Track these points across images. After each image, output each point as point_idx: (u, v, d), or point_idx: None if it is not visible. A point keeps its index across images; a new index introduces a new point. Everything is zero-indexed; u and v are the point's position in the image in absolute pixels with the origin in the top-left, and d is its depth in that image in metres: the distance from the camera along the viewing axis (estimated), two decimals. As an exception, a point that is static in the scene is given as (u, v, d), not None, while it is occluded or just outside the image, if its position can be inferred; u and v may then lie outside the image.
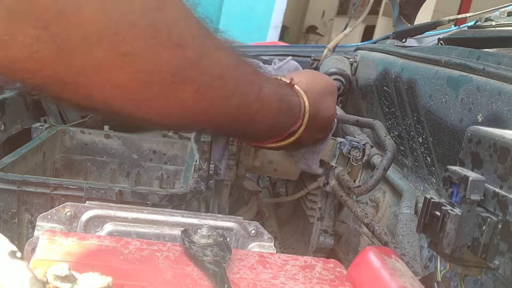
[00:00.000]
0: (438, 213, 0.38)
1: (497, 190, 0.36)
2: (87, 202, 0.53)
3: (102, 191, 0.67)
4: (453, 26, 1.41)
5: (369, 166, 0.97)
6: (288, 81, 0.73)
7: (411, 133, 0.88)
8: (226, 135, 0.80)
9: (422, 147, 0.84)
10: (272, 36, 4.80)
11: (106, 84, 0.46)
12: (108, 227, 0.52)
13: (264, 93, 0.63)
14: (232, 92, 0.58)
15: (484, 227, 0.36)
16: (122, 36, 0.43)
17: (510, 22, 0.98)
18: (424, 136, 0.82)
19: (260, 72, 0.66)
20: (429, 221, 0.39)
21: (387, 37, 1.40)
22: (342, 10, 6.53)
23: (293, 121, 0.71)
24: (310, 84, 0.75)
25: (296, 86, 0.73)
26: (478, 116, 0.65)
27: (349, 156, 0.86)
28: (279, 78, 0.73)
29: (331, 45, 1.43)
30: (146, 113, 0.53)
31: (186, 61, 0.49)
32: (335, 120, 0.85)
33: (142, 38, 0.44)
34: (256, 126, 0.66)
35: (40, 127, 0.93)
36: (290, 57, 0.95)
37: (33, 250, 0.46)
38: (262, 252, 0.51)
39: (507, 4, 1.12)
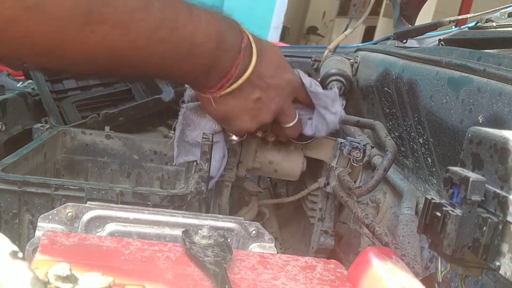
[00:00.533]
0: (438, 214, 0.38)
1: (498, 191, 0.36)
2: (88, 202, 0.54)
3: (103, 192, 0.67)
4: (453, 27, 1.41)
5: (370, 167, 0.97)
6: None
7: (412, 134, 0.88)
8: (162, 76, 0.73)
9: (423, 148, 0.84)
10: (273, 36, 4.81)
11: (20, 36, 0.49)
12: (109, 227, 0.52)
13: (196, 16, 0.61)
14: (160, 22, 0.57)
15: (484, 228, 0.36)
16: None
17: (511, 23, 0.98)
18: (424, 137, 0.82)
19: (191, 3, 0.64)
20: (430, 221, 0.39)
21: (388, 38, 1.40)
22: (343, 11, 6.53)
23: (234, 58, 0.68)
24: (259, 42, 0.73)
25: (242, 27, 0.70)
26: (479, 117, 0.65)
27: (350, 156, 0.86)
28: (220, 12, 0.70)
29: (331, 46, 1.43)
30: (71, 59, 0.55)
31: (95, 1, 0.51)
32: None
33: None
34: (192, 59, 0.63)
35: (41, 128, 0.93)
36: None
37: (34, 250, 0.46)
38: (263, 253, 0.51)
39: (508, 5, 1.12)
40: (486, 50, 0.82)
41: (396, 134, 0.96)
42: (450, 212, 0.36)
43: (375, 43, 1.47)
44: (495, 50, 0.87)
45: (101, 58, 0.56)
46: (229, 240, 0.50)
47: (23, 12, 0.47)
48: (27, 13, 0.47)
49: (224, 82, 0.69)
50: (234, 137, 0.84)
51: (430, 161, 0.82)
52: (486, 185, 0.37)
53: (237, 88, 0.70)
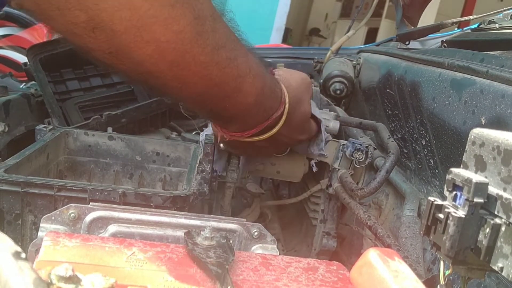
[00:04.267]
0: (441, 216, 0.38)
1: (501, 192, 0.36)
2: (90, 203, 0.54)
3: (106, 193, 0.67)
4: (456, 28, 1.41)
5: (372, 168, 0.97)
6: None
7: (414, 135, 0.88)
8: (207, 105, 0.71)
9: (425, 150, 0.84)
10: (275, 38, 4.81)
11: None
12: (112, 228, 0.52)
13: (251, 59, 0.63)
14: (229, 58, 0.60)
15: (487, 230, 0.36)
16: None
17: (514, 25, 0.98)
18: (427, 139, 0.82)
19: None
20: (432, 223, 0.39)
21: (390, 40, 1.41)
22: (345, 13, 6.53)
23: (276, 105, 0.70)
24: (287, 77, 0.75)
25: (276, 76, 0.73)
26: (482, 119, 0.65)
27: (352, 158, 0.86)
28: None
29: (334, 47, 1.43)
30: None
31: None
32: (323, 126, 0.85)
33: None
34: (241, 96, 0.65)
35: (44, 129, 0.93)
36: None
37: (37, 251, 0.46)
38: (265, 254, 0.51)
39: (511, 7, 1.12)
40: (488, 52, 0.81)
41: (399, 135, 0.96)
42: (452, 213, 0.36)
43: (378, 45, 1.47)
44: (498, 51, 0.87)
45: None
46: (231, 242, 0.50)
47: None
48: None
49: (244, 134, 0.73)
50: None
51: (432, 162, 0.82)
52: (489, 186, 0.37)
53: (253, 141, 0.74)
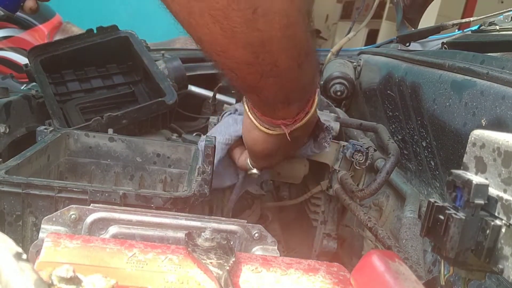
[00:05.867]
0: (441, 217, 0.38)
1: (501, 194, 0.36)
2: (91, 205, 0.54)
3: (106, 194, 0.67)
4: (457, 30, 1.42)
5: (373, 169, 0.97)
6: None
7: (415, 137, 0.88)
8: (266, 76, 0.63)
9: (426, 151, 0.84)
10: (276, 39, 4.80)
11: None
12: (112, 229, 0.52)
13: (311, 41, 0.59)
14: (296, 21, 0.55)
15: (488, 231, 0.36)
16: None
17: (514, 26, 0.98)
18: (427, 140, 0.82)
19: None
20: (433, 225, 0.39)
21: (391, 41, 1.41)
22: (346, 14, 6.52)
23: (313, 90, 0.68)
24: None
25: None
26: (482, 120, 0.65)
27: (353, 159, 0.86)
28: None
29: (334, 49, 1.43)
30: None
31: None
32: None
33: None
34: (300, 73, 0.60)
35: (45, 130, 0.93)
36: None
37: (38, 252, 0.46)
38: (266, 255, 0.51)
39: (511, 9, 1.12)
40: (489, 53, 0.82)
41: (399, 137, 0.96)
42: (453, 215, 0.36)
43: (378, 46, 1.47)
44: (498, 53, 0.87)
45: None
46: (232, 243, 0.50)
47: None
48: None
49: (302, 115, 0.68)
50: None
51: (433, 164, 0.82)
52: (489, 188, 0.37)
53: (304, 124, 0.70)
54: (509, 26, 1.00)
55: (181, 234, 0.53)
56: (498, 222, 0.35)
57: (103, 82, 1.32)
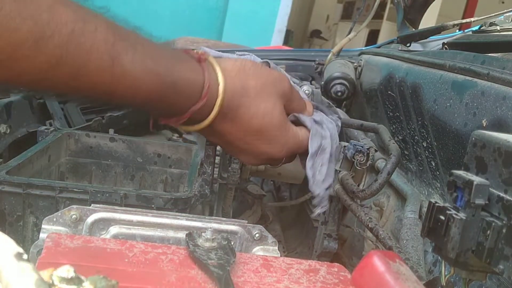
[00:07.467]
0: (442, 218, 0.38)
1: (502, 194, 0.36)
2: (92, 205, 0.54)
3: (107, 194, 0.67)
4: (457, 30, 1.41)
5: (373, 170, 0.97)
6: (196, 56, 0.62)
7: (416, 137, 0.88)
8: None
9: (427, 152, 0.84)
10: (277, 40, 4.81)
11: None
12: (113, 230, 0.52)
13: (122, 66, 0.53)
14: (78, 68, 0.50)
15: (488, 232, 0.36)
16: None
17: (515, 27, 0.98)
18: (428, 141, 0.82)
19: (128, 44, 0.55)
20: (434, 225, 0.39)
21: (392, 42, 1.40)
22: (346, 15, 6.53)
23: (191, 101, 0.60)
24: (246, 73, 0.65)
25: (209, 65, 0.62)
26: (483, 121, 0.65)
27: (353, 160, 0.85)
28: (181, 53, 0.62)
29: (335, 49, 1.43)
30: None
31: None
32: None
33: None
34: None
35: (46, 131, 0.93)
36: (251, 54, 0.81)
37: (39, 252, 0.46)
38: (266, 256, 0.51)
39: (512, 9, 1.12)
40: (490, 54, 0.81)
41: (400, 137, 0.96)
42: (454, 215, 0.36)
43: (379, 47, 1.47)
44: (499, 53, 0.87)
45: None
46: (232, 243, 0.50)
47: None
48: None
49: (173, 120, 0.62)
50: None
51: (433, 164, 0.82)
52: (490, 188, 0.37)
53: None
54: (510, 27, 1.00)
55: (181, 235, 0.53)
56: (498, 222, 0.35)
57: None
